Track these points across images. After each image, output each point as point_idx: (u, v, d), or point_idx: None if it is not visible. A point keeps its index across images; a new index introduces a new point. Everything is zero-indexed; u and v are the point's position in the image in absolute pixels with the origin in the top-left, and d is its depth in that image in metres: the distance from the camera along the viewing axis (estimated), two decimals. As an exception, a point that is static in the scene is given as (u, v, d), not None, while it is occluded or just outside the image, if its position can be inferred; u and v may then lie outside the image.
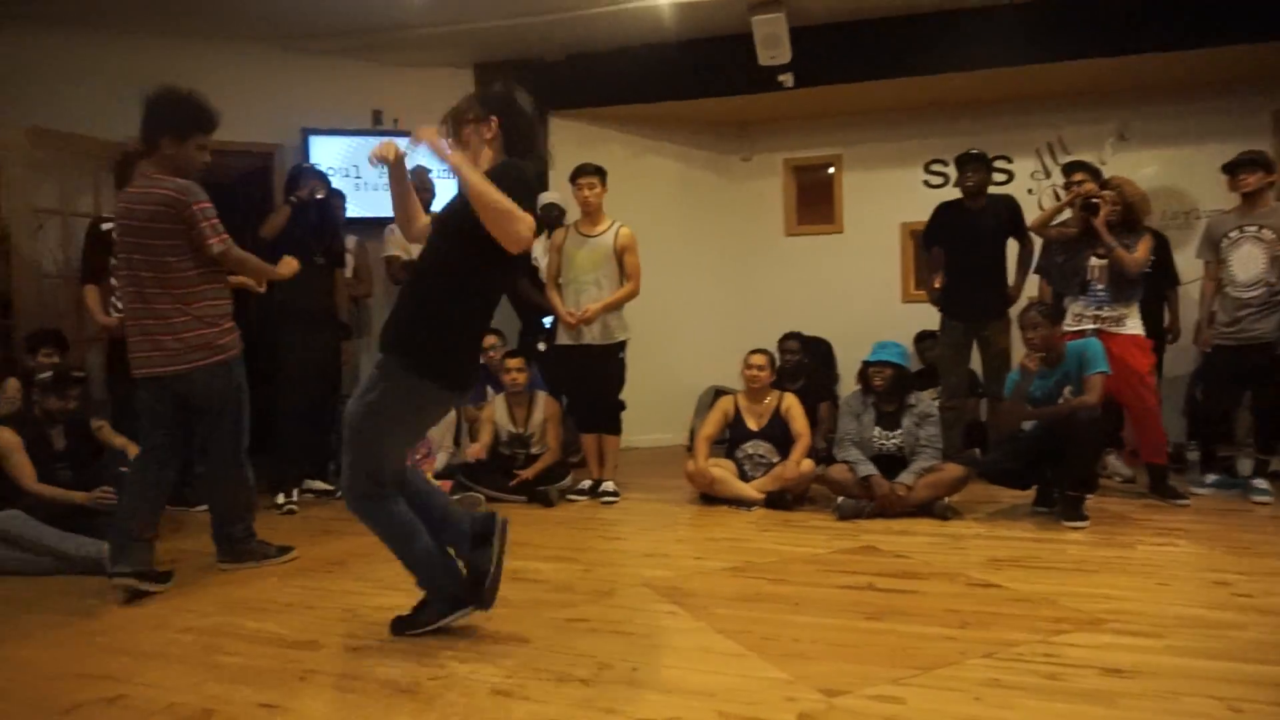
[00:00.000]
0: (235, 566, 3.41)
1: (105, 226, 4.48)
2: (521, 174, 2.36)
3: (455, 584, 2.55)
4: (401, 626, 2.58)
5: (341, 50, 5.79)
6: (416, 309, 2.43)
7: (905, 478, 4.13)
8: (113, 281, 4.46)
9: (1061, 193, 5.13)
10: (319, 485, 4.85)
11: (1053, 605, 2.78)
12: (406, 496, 2.51)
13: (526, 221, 2.26)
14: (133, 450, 3.95)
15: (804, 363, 5.52)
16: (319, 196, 4.71)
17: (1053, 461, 4.00)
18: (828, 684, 2.19)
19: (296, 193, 4.68)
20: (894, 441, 4.30)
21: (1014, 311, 4.91)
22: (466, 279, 2.39)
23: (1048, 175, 6.05)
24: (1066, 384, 4.04)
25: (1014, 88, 5.77)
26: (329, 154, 5.73)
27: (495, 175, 2.30)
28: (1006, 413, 4.22)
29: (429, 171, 5.24)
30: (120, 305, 4.39)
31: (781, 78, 5.64)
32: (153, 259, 3.10)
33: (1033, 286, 5.03)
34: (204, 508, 4.39)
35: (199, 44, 5.60)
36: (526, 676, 2.27)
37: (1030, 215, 4.99)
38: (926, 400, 4.47)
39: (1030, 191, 6.04)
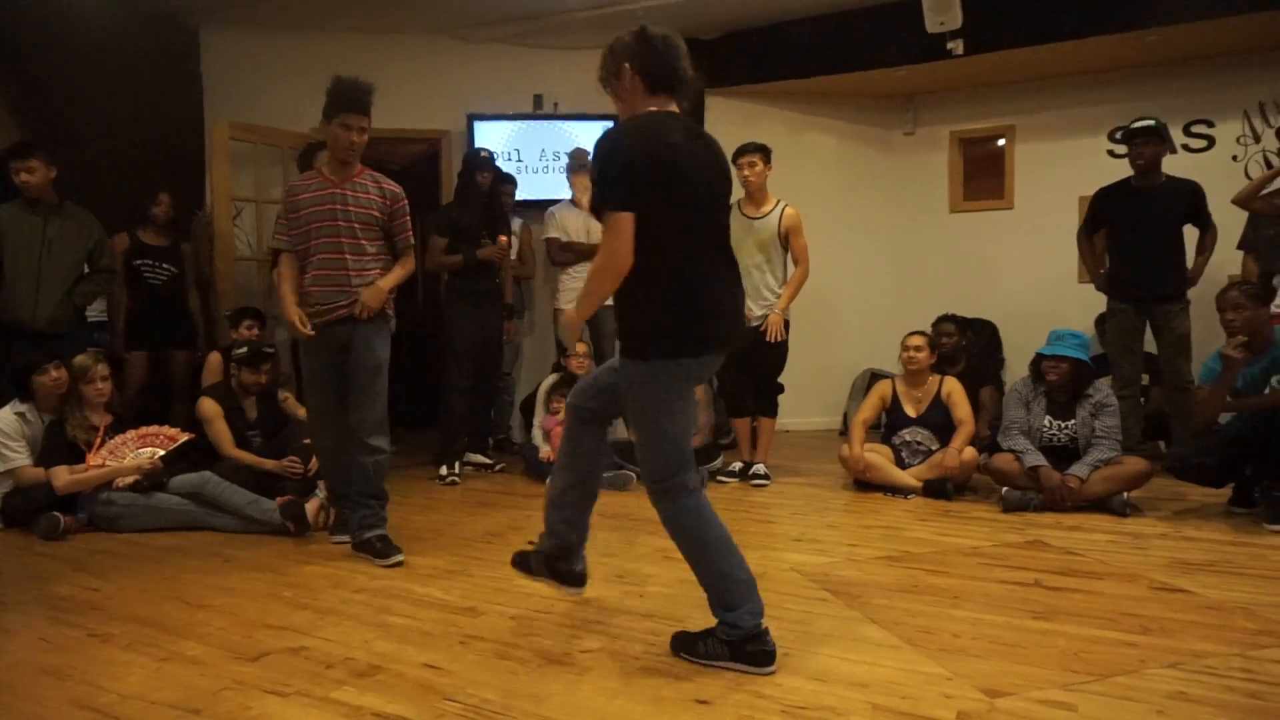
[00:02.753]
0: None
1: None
2: (611, 150, 2.13)
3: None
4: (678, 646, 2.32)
5: (504, 37, 5.97)
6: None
7: (1078, 469, 3.86)
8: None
9: (1274, 159, 4.60)
10: (479, 459, 5.06)
11: (1250, 616, 2.52)
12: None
13: (606, 266, 2.13)
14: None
15: (962, 346, 5.25)
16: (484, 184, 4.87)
17: (1255, 458, 3.63)
18: (989, 684, 2.09)
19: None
20: (1066, 432, 4.03)
21: (1194, 294, 4.50)
22: (639, 263, 2.15)
23: (1257, 139, 5.45)
24: (1275, 372, 3.64)
25: (1216, 42, 5.22)
26: (493, 139, 5.93)
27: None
28: (1202, 402, 3.82)
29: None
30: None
31: (951, 45, 5.36)
32: None
33: (1217, 269, 4.56)
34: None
35: (374, 38, 5.93)
36: (676, 656, 2.29)
37: (1234, 185, 4.51)
38: (1105, 388, 4.15)
39: (1235, 158, 5.47)
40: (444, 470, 4.74)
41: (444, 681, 2.15)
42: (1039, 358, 4.11)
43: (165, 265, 4.93)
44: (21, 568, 3.27)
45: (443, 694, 2.08)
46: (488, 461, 5.06)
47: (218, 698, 2.07)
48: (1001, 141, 6.26)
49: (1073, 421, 4.02)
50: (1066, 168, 5.96)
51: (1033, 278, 6.05)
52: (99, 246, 4.50)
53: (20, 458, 3.80)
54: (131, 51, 5.37)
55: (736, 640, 2.19)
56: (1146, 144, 4.47)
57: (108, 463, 3.82)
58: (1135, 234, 4.54)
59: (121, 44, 5.31)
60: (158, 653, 2.37)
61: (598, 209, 2.15)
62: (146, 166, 5.34)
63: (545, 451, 4.75)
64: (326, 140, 3.38)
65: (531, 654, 2.32)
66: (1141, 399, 4.79)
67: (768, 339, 4.44)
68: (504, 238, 4.80)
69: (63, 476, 3.73)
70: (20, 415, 3.87)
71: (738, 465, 4.71)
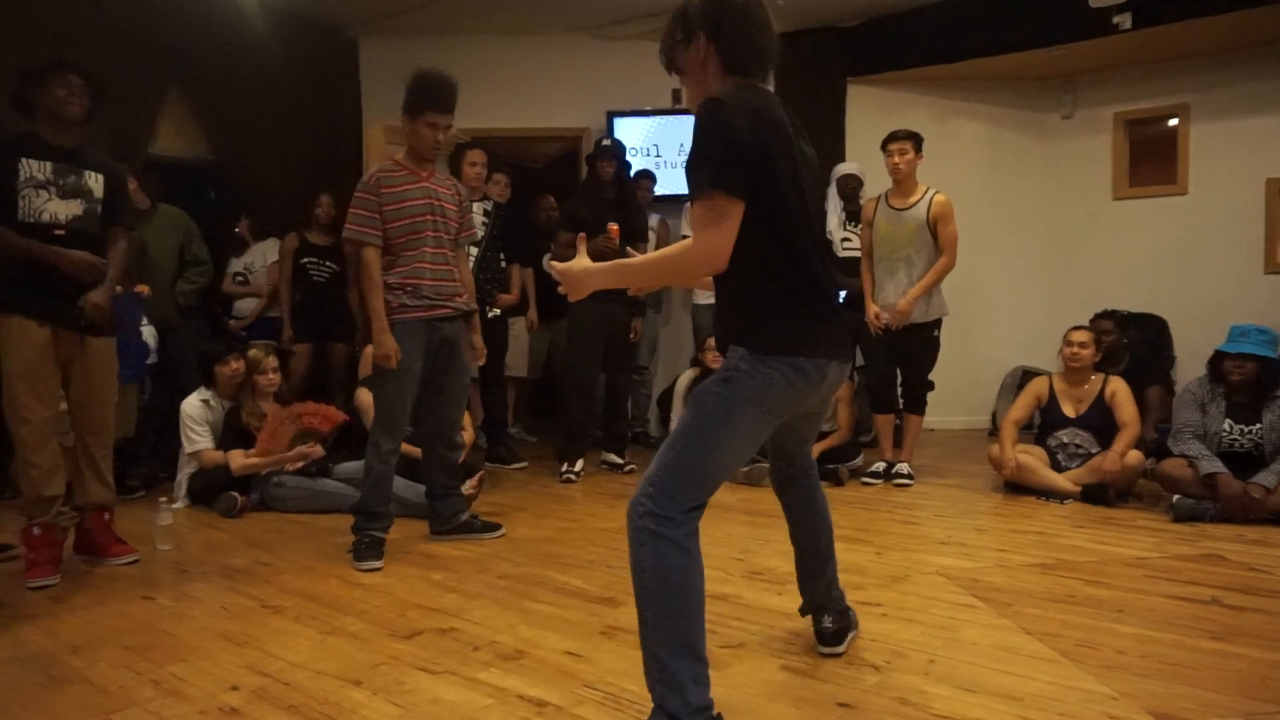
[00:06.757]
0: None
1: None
2: (712, 121, 1.69)
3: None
4: None
5: (642, 33, 6.01)
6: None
7: (1264, 478, 3.54)
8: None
9: None
10: (613, 458, 5.02)
11: None
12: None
13: (696, 261, 1.70)
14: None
15: (1123, 343, 4.90)
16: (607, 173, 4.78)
17: None
18: (1159, 706, 1.94)
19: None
20: (1250, 437, 3.70)
21: None
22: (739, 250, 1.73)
23: None
24: None
25: None
26: (632, 134, 5.99)
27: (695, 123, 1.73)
28: None
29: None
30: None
31: (1117, 19, 5.00)
32: None
33: None
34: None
35: (515, 39, 6.11)
36: (817, 656, 2.25)
37: None
38: (1296, 389, 3.78)
39: None
40: (564, 467, 4.70)
41: (585, 669, 2.19)
42: (1219, 356, 3.79)
43: (328, 263, 5.25)
44: (204, 541, 3.57)
45: (583, 681, 2.12)
46: (619, 462, 4.94)
47: (375, 672, 2.19)
48: (1174, 122, 5.80)
49: (1258, 426, 3.69)
50: (1251, 148, 5.46)
51: (1210, 269, 5.58)
52: (189, 238, 4.77)
53: (204, 441, 4.14)
54: (300, 65, 5.77)
55: None
56: None
57: (269, 445, 4.10)
58: None
59: (291, 60, 5.71)
60: (322, 626, 2.53)
61: (694, 192, 1.70)
62: (313, 170, 5.72)
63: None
64: (408, 137, 3.28)
65: (670, 647, 2.33)
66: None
67: (889, 325, 4.31)
68: (613, 225, 4.50)
69: (239, 459, 4.05)
70: (205, 402, 4.22)
71: (880, 465, 4.58)
